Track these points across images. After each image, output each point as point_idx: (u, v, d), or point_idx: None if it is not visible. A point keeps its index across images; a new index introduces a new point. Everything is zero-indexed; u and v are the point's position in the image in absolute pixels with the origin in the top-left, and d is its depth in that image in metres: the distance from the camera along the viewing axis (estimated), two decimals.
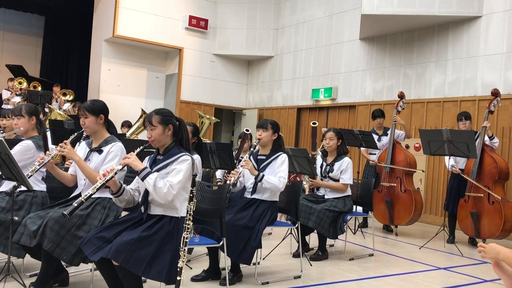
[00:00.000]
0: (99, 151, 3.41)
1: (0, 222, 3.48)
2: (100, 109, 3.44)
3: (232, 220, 3.81)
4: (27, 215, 3.34)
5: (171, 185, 2.93)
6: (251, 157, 4.25)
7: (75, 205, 2.87)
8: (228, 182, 3.94)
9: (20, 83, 10.90)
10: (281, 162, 4.10)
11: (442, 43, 8.25)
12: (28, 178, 3.29)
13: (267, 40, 11.88)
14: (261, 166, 4.13)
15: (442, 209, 7.45)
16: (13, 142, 3.78)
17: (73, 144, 3.66)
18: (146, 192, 3.03)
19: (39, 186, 3.73)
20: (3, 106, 10.45)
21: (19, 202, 3.57)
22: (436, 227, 6.83)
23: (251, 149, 4.23)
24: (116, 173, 2.94)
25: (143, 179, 2.93)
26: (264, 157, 4.18)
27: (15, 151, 3.60)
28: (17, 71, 12.16)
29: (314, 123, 6.40)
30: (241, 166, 4.04)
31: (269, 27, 11.86)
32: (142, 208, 3.08)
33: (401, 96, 7.05)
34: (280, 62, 11.69)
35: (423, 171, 7.63)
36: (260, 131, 4.17)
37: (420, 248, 5.92)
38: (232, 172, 4.11)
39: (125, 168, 3.47)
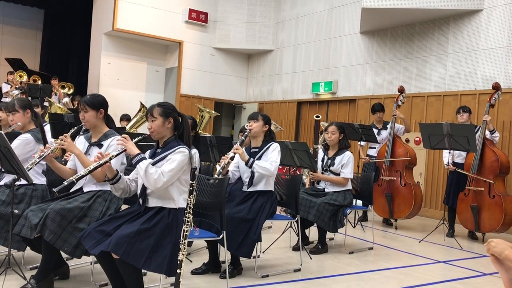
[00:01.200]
0: (99, 145, 3.41)
1: (0, 215, 3.49)
2: (100, 104, 3.44)
3: (230, 213, 3.82)
4: (27, 208, 3.35)
5: (162, 172, 2.94)
6: (245, 151, 4.25)
7: (65, 183, 2.88)
8: (218, 167, 3.95)
9: (20, 76, 10.89)
10: (273, 149, 4.12)
11: (443, 37, 8.23)
12: (28, 171, 3.29)
13: (267, 33, 11.84)
14: (255, 158, 4.13)
15: (442, 203, 7.45)
16: (11, 136, 3.77)
17: (73, 138, 3.66)
18: (144, 185, 3.03)
19: (39, 179, 3.73)
20: (3, 99, 10.44)
21: (19, 196, 3.58)
22: (436, 221, 6.85)
23: (242, 137, 4.23)
24: (111, 158, 2.95)
25: (136, 163, 2.95)
26: (256, 150, 4.20)
27: (15, 145, 3.60)
28: (17, 64, 12.12)
29: (317, 117, 6.39)
30: (232, 151, 4.03)
31: (269, 20, 11.82)
32: (140, 201, 3.09)
33: (401, 90, 7.04)
34: (280, 56, 11.66)
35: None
36: (251, 122, 4.20)
37: (419, 242, 5.94)
38: (222, 157, 4.09)
39: (124, 161, 3.47)
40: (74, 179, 2.90)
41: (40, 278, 3.24)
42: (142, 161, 2.95)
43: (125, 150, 3.03)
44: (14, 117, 3.81)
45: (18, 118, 3.81)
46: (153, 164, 3.03)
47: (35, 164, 3.37)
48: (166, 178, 2.95)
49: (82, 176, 2.93)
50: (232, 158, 4.02)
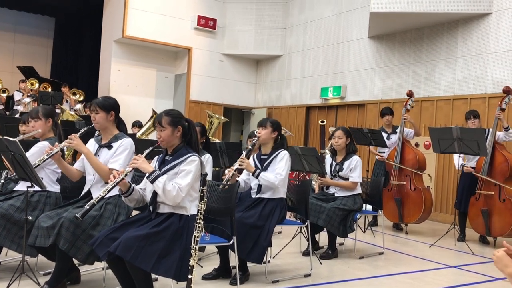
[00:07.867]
0: (109, 146, 3.48)
1: (15, 222, 3.54)
2: (111, 106, 3.50)
3: (240, 218, 3.81)
4: (40, 215, 3.40)
5: (180, 187, 2.96)
6: (255, 157, 4.27)
7: (87, 207, 2.93)
8: (224, 179, 3.94)
9: (32, 84, 11.02)
10: (280, 158, 4.09)
11: (452, 41, 8.21)
12: (35, 167, 3.32)
13: (276, 39, 11.89)
14: (264, 165, 4.14)
15: (452, 207, 7.41)
16: (29, 143, 3.84)
17: (84, 139, 3.71)
18: (155, 192, 3.05)
19: (53, 187, 3.78)
20: (15, 107, 10.58)
21: (33, 203, 3.63)
22: (447, 225, 6.81)
23: (249, 147, 4.25)
24: (126, 175, 2.99)
25: (152, 181, 2.96)
26: (266, 156, 4.19)
27: (32, 153, 3.67)
28: (28, 72, 12.28)
29: (322, 122, 6.41)
30: (238, 164, 4.04)
31: (278, 26, 11.87)
32: (151, 208, 3.11)
33: (410, 94, 7.02)
34: (289, 61, 11.69)
35: (429, 175, 7.33)
36: (259, 129, 4.18)
37: (430, 246, 5.91)
38: (228, 170, 4.10)
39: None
40: (95, 201, 2.96)
41: (53, 284, 3.29)
42: (158, 179, 2.95)
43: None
44: (36, 124, 3.87)
45: (39, 125, 3.86)
46: (164, 172, 3.05)
47: (43, 161, 3.41)
48: (185, 193, 2.98)
49: (102, 197, 2.99)
50: (238, 171, 4.04)
